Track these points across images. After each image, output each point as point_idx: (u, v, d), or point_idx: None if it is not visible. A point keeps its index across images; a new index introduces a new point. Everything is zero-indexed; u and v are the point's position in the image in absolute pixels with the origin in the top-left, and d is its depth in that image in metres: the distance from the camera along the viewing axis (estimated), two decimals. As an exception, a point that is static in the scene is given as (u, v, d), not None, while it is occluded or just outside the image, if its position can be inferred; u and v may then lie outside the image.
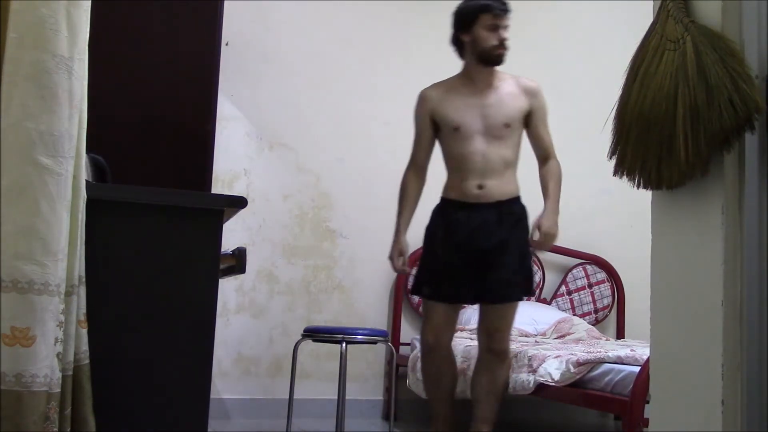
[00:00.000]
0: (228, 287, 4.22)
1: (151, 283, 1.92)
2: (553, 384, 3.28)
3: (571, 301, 4.89)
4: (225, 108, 4.24)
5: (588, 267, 4.96)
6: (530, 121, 3.13)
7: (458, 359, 3.73)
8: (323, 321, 4.43)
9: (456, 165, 3.11)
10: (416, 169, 3.23)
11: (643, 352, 3.01)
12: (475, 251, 3.04)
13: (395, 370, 4.20)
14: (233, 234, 4.12)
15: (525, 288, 3.18)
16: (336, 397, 3.44)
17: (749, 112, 1.53)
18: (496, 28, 3.01)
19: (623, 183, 1.74)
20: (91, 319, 1.77)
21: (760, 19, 1.59)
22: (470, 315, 4.27)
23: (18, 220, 1.59)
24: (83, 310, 1.75)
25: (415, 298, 4.54)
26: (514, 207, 3.11)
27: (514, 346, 3.46)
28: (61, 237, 1.64)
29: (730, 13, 1.62)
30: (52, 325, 1.61)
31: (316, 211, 4.53)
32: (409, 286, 4.54)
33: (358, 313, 4.53)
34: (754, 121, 1.54)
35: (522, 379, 3.42)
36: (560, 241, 4.80)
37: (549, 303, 4.83)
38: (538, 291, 4.85)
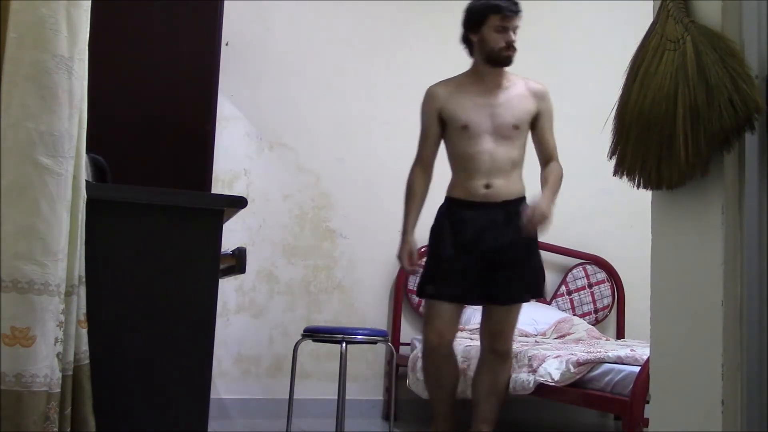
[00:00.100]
0: (228, 287, 4.22)
1: (151, 283, 1.92)
2: (553, 384, 3.28)
3: (571, 301, 4.89)
4: (225, 108, 4.25)
5: (588, 267, 4.96)
6: (536, 124, 3.12)
7: (458, 359, 3.73)
8: (323, 321, 4.43)
9: (462, 164, 3.09)
10: (423, 166, 3.19)
11: (643, 352, 3.01)
12: (482, 251, 3.02)
13: (395, 370, 4.20)
14: (233, 234, 4.11)
15: (534, 289, 3.18)
16: (336, 397, 3.44)
17: (749, 112, 1.53)
18: (504, 29, 2.99)
19: (623, 183, 1.74)
20: (91, 319, 1.77)
21: (760, 19, 1.59)
22: (470, 315, 4.27)
23: (18, 220, 1.59)
24: (83, 310, 1.75)
25: (415, 298, 4.54)
26: (521, 207, 3.10)
27: (514, 346, 3.46)
28: (61, 237, 1.64)
29: (730, 13, 1.62)
30: (52, 325, 1.61)
31: (316, 211, 4.53)
32: (410, 287, 4.56)
33: (358, 313, 4.53)
34: (754, 121, 1.54)
35: (522, 379, 3.42)
36: (560, 241, 4.84)
37: (549, 303, 4.83)
38: (537, 291, 4.84)
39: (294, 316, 4.39)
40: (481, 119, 3.04)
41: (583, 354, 3.29)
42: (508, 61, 3.05)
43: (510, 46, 3.02)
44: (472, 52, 3.15)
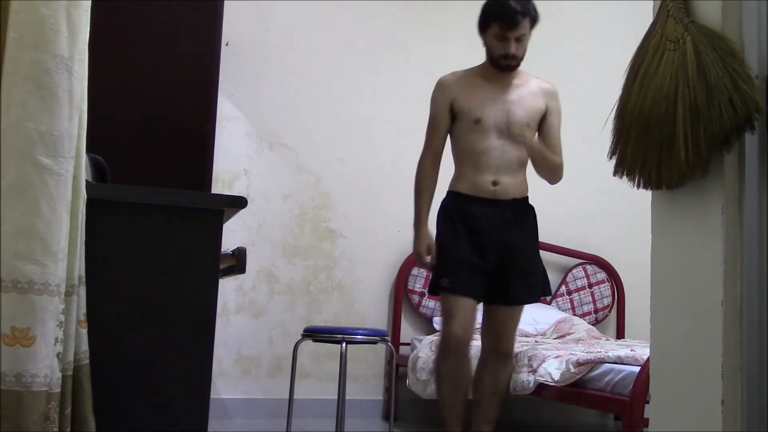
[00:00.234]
0: (228, 287, 4.22)
1: (151, 283, 1.92)
2: (553, 384, 3.28)
3: (571, 301, 4.89)
4: (225, 108, 4.25)
5: (588, 267, 4.96)
6: (543, 123, 3.09)
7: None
8: (323, 321, 4.43)
9: (471, 159, 3.04)
10: (433, 157, 3.12)
11: (643, 352, 3.01)
12: (494, 249, 3.00)
13: (395, 370, 4.19)
14: (233, 234, 4.12)
15: (542, 290, 3.17)
16: (336, 397, 3.43)
17: (749, 112, 1.53)
18: (505, 38, 2.94)
19: (623, 183, 1.74)
20: (91, 319, 1.77)
21: (760, 19, 1.59)
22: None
23: (18, 220, 1.59)
24: (83, 310, 1.75)
25: (416, 298, 4.54)
26: (528, 206, 3.10)
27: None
28: (61, 237, 1.64)
29: (730, 13, 1.62)
30: (52, 325, 1.61)
31: (316, 211, 4.53)
32: (410, 287, 4.56)
33: (358, 313, 4.53)
34: (754, 121, 1.54)
35: (522, 379, 3.42)
36: (560, 241, 4.85)
37: (549, 303, 4.82)
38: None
39: (294, 316, 4.39)
40: (495, 115, 3.01)
41: (583, 354, 3.29)
42: (507, 69, 3.01)
43: (507, 56, 2.97)
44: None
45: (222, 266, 2.24)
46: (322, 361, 4.38)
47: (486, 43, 3.03)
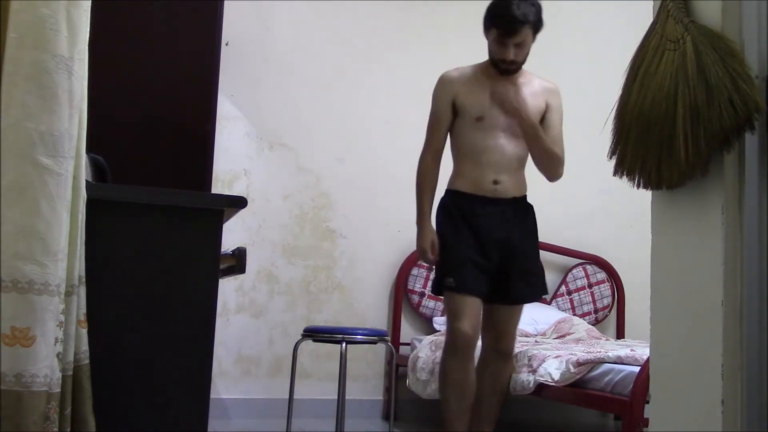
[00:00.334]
0: (228, 287, 4.22)
1: (151, 283, 1.92)
2: (553, 384, 3.28)
3: (571, 301, 4.89)
4: (225, 108, 4.25)
5: (588, 267, 4.96)
6: (543, 121, 3.06)
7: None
8: (323, 321, 4.43)
9: (471, 156, 3.02)
10: (435, 154, 3.10)
11: (643, 352, 3.01)
12: (495, 247, 2.98)
13: (395, 370, 4.20)
14: (233, 234, 4.12)
15: (542, 289, 3.17)
16: (336, 397, 3.43)
17: (749, 112, 1.53)
18: (504, 43, 2.92)
19: (623, 183, 1.74)
20: (91, 319, 1.77)
21: (760, 19, 1.59)
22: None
23: (18, 220, 1.59)
24: (83, 310, 1.75)
25: (415, 298, 4.54)
26: (528, 205, 3.10)
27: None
28: (61, 237, 1.64)
29: (730, 13, 1.62)
30: (52, 325, 1.61)
31: (316, 211, 4.53)
32: (410, 287, 4.56)
33: (358, 313, 4.53)
34: (754, 121, 1.54)
35: (522, 379, 3.42)
36: (560, 241, 4.85)
37: (549, 303, 4.83)
38: (538, 291, 4.85)
39: (294, 316, 4.39)
40: (496, 113, 2.99)
41: (583, 354, 3.29)
42: (505, 73, 2.99)
43: (506, 61, 2.95)
44: None
45: (222, 266, 2.24)
46: (322, 361, 4.38)
47: (488, 45, 3.01)
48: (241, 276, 3.92)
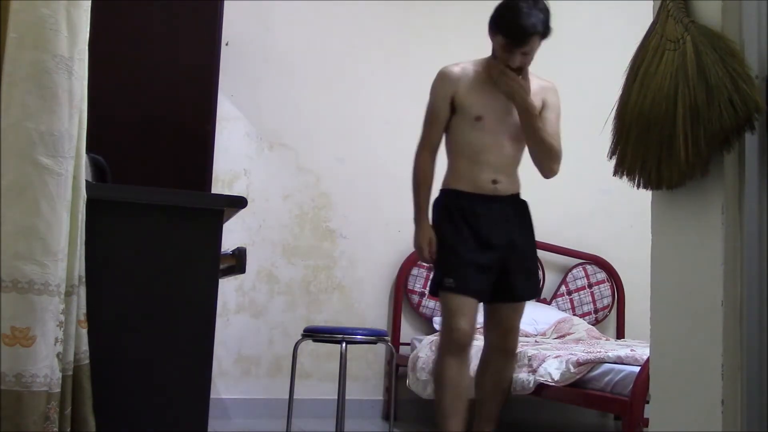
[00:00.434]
0: (228, 287, 4.22)
1: (151, 283, 1.92)
2: (553, 384, 3.28)
3: (571, 301, 4.89)
4: (225, 108, 4.25)
5: (588, 267, 4.96)
6: (541, 119, 3.05)
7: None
8: (323, 321, 4.43)
9: (469, 156, 2.99)
10: (431, 150, 3.05)
11: (643, 352, 3.01)
12: (498, 245, 2.97)
13: (395, 370, 4.20)
14: (233, 234, 4.12)
15: (539, 287, 3.18)
16: (336, 397, 3.44)
17: (749, 112, 1.53)
18: (511, 51, 2.88)
19: (623, 183, 1.74)
20: (91, 319, 1.78)
21: (760, 19, 1.59)
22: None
23: (18, 220, 1.59)
24: (83, 310, 1.75)
25: (415, 298, 4.54)
26: (524, 202, 3.09)
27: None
28: (61, 237, 1.64)
29: (730, 13, 1.62)
30: (52, 325, 1.61)
31: (316, 211, 4.53)
32: (410, 287, 4.56)
33: (358, 313, 4.53)
34: (754, 121, 1.54)
35: (522, 379, 3.42)
36: (560, 241, 4.85)
37: (549, 303, 4.83)
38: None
39: (294, 316, 4.39)
40: (496, 113, 2.96)
41: (583, 354, 3.29)
42: None
43: (511, 67, 2.90)
44: None
45: (222, 266, 2.24)
46: (322, 361, 4.38)
47: (492, 45, 2.97)
48: (241, 276, 3.92)
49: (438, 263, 3.01)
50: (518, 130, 3.00)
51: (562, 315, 4.66)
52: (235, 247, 2.53)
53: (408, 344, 4.40)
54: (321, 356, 4.36)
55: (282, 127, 4.50)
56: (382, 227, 4.58)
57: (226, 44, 3.97)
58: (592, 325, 4.75)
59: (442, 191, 3.09)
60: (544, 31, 2.89)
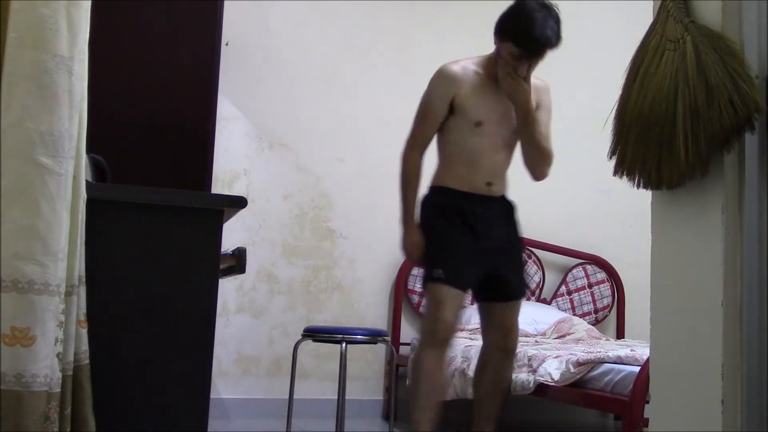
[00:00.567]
0: (228, 287, 4.22)
1: (151, 283, 1.92)
2: (553, 384, 3.28)
3: (571, 301, 4.89)
4: (225, 108, 4.25)
5: (588, 267, 4.96)
6: None
7: (458, 359, 3.74)
8: (323, 321, 4.43)
9: (464, 158, 2.96)
10: (422, 149, 3.00)
11: (643, 352, 3.00)
12: (492, 244, 2.97)
13: (395, 370, 4.20)
14: (233, 234, 4.12)
15: (527, 284, 3.19)
16: (336, 397, 3.44)
17: (749, 112, 1.53)
18: (520, 61, 2.82)
19: (623, 183, 1.74)
20: (91, 319, 1.77)
21: (760, 19, 1.59)
22: (470, 315, 4.26)
23: (18, 220, 1.59)
24: (83, 310, 1.75)
25: (416, 298, 4.54)
26: (512, 203, 3.09)
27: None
28: (61, 237, 1.64)
29: (730, 13, 1.62)
30: (52, 325, 1.61)
31: (316, 211, 4.53)
32: (410, 286, 4.56)
33: (358, 313, 4.53)
34: (754, 121, 1.54)
35: (522, 379, 3.42)
36: (560, 241, 4.85)
37: (549, 303, 4.83)
38: (538, 291, 4.85)
39: (294, 316, 4.39)
40: (495, 118, 2.92)
41: (583, 354, 3.29)
42: None
43: (518, 75, 2.85)
44: None
45: (222, 266, 2.24)
46: (322, 361, 4.38)
47: (498, 51, 2.90)
48: (241, 276, 3.92)
49: (428, 256, 2.96)
50: (513, 134, 2.99)
51: (562, 315, 4.66)
52: (235, 247, 2.53)
53: (408, 344, 4.40)
54: (321, 356, 4.36)
55: (282, 127, 4.50)
56: (382, 227, 4.58)
57: (226, 44, 3.97)
58: (592, 325, 4.75)
59: (435, 188, 3.04)
60: (557, 44, 2.85)
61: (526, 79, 2.90)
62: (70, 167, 1.67)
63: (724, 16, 1.61)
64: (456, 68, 2.96)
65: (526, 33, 2.77)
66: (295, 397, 3.50)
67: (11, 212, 1.59)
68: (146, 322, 1.90)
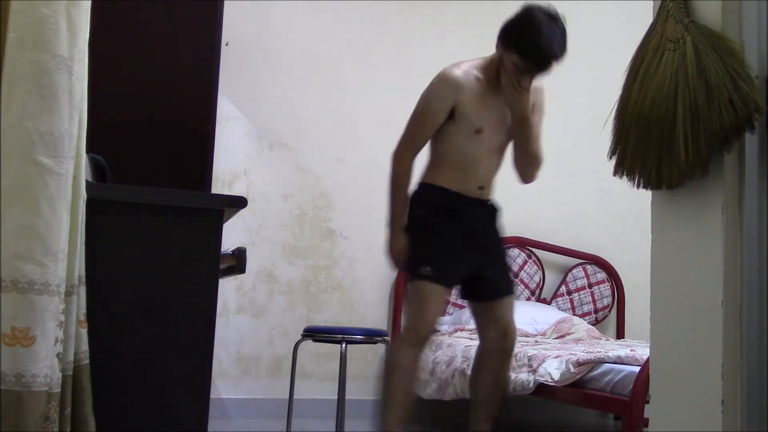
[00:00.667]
0: (228, 287, 4.22)
1: (151, 283, 1.92)
2: (553, 384, 3.28)
3: (571, 301, 4.89)
4: (225, 108, 4.25)
5: (588, 267, 4.96)
6: None
7: (458, 359, 3.74)
8: (323, 321, 4.43)
9: (459, 163, 2.95)
10: (415, 152, 2.97)
11: (643, 352, 3.00)
12: (482, 244, 2.98)
13: (395, 370, 4.19)
14: (233, 234, 4.12)
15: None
16: (336, 397, 3.43)
17: (749, 112, 1.53)
18: (524, 71, 2.77)
19: (623, 183, 1.74)
20: (91, 319, 1.78)
21: (760, 19, 1.59)
22: (470, 315, 4.26)
23: (18, 220, 1.59)
24: (83, 310, 1.75)
25: (415, 298, 4.53)
26: (496, 206, 3.09)
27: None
28: (61, 237, 1.64)
29: (730, 13, 1.62)
30: (52, 325, 1.62)
31: (316, 211, 4.53)
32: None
33: (358, 313, 4.53)
34: (754, 121, 1.54)
35: (522, 379, 3.41)
36: (560, 241, 4.85)
37: (549, 303, 4.83)
38: (538, 291, 4.85)
39: (294, 316, 4.39)
40: (493, 125, 2.91)
41: (583, 354, 3.29)
42: None
43: (521, 86, 2.81)
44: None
45: (222, 266, 2.24)
46: (322, 361, 4.38)
47: (501, 60, 2.84)
48: (241, 276, 3.92)
49: (417, 253, 2.94)
50: (506, 140, 3.00)
51: (562, 315, 4.66)
52: (235, 247, 2.53)
53: (408, 344, 4.40)
54: (321, 356, 4.36)
55: (282, 127, 4.50)
56: (382, 227, 4.56)
57: (226, 44, 3.97)
58: (592, 325, 4.75)
59: (427, 186, 3.01)
60: (562, 56, 2.79)
61: (527, 89, 2.87)
62: (70, 167, 1.67)
63: (724, 16, 1.61)
64: (459, 74, 2.90)
65: (533, 46, 2.72)
66: (295, 397, 3.50)
67: (11, 212, 1.59)
68: (146, 322, 1.90)
